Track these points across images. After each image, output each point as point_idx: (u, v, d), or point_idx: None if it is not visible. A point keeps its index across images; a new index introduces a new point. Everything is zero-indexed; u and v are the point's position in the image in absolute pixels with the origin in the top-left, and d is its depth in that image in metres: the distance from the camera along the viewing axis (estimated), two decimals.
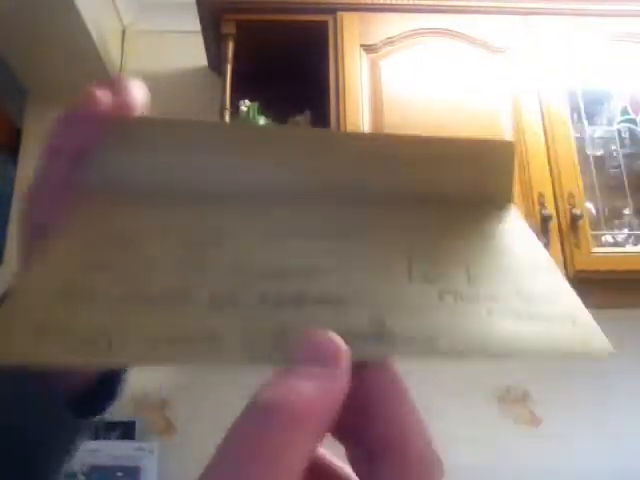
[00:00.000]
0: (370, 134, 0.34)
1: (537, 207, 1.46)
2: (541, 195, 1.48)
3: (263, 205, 0.25)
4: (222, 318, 0.19)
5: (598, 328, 0.20)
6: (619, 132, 1.65)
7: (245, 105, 1.66)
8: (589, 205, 1.54)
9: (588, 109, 1.65)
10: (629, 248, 1.50)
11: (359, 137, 0.29)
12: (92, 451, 1.53)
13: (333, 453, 0.21)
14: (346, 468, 0.21)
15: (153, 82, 1.62)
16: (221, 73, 1.66)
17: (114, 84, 0.27)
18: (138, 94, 0.28)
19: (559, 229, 1.45)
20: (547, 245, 1.40)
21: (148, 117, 0.28)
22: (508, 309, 0.20)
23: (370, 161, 0.27)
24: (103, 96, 0.27)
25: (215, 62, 1.83)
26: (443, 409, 1.50)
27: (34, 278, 0.20)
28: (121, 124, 0.26)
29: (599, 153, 1.65)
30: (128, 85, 0.28)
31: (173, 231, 0.23)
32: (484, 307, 0.20)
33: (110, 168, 0.25)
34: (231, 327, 0.19)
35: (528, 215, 1.46)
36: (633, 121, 1.65)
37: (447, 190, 0.27)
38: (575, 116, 1.62)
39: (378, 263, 0.23)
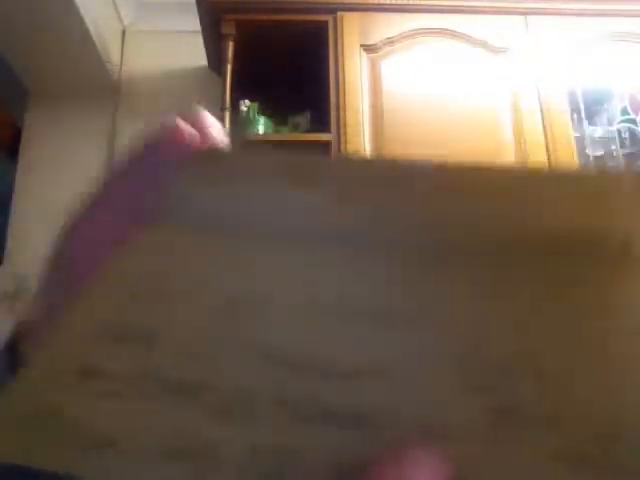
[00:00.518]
0: (451, 164, 0.21)
1: None
2: None
3: (315, 252, 0.20)
4: (228, 429, 0.16)
5: None
6: (619, 132, 1.65)
7: (245, 105, 1.67)
8: None
9: (588, 109, 1.65)
10: None
11: (437, 168, 0.21)
12: None
13: None
14: None
15: (153, 82, 1.63)
16: (221, 73, 1.66)
17: (193, 117, 0.27)
18: (217, 128, 0.27)
19: None
20: None
21: (230, 150, 0.27)
22: None
23: (450, 198, 0.20)
24: (186, 128, 0.26)
25: (215, 62, 1.83)
26: None
27: (49, 349, 0.18)
28: (202, 156, 0.25)
29: (599, 153, 1.65)
30: (207, 118, 0.27)
31: (215, 278, 0.20)
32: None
33: (181, 200, 0.23)
34: (233, 444, 0.15)
35: None
36: (633, 121, 1.65)
37: (560, 237, 0.19)
38: (575, 116, 1.62)
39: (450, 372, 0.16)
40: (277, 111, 1.69)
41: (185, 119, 0.26)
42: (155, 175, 0.25)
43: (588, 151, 1.62)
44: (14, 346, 0.28)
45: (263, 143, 1.62)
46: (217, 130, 0.27)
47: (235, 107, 1.63)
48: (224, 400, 0.16)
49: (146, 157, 0.27)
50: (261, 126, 1.64)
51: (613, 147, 1.65)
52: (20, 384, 0.18)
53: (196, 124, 0.27)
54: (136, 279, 0.20)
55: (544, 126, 1.56)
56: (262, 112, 1.67)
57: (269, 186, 0.23)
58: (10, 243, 1.81)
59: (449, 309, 0.18)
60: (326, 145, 1.53)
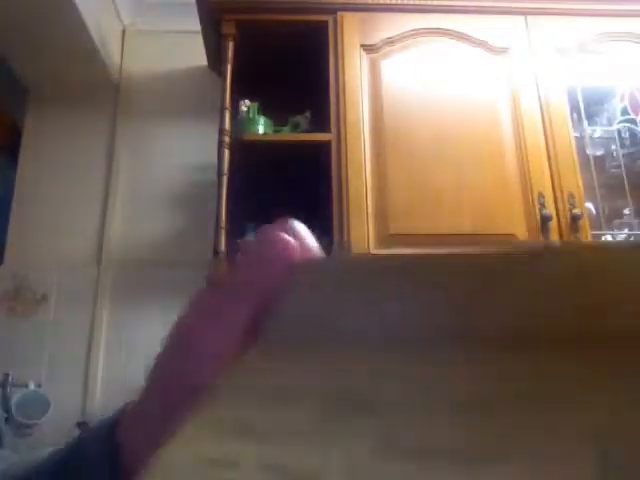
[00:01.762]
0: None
1: (537, 207, 1.46)
2: (541, 195, 1.48)
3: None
4: None
5: None
6: (619, 132, 1.65)
7: (245, 105, 1.67)
8: (589, 205, 1.54)
9: (588, 109, 1.65)
10: None
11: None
12: None
13: None
14: None
15: (153, 82, 1.63)
16: (221, 73, 1.66)
17: (287, 227, 0.26)
18: (311, 239, 0.26)
19: (559, 229, 1.45)
20: None
21: (329, 258, 0.25)
22: None
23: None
24: (288, 238, 0.25)
25: (215, 62, 1.83)
26: None
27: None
28: (305, 267, 0.24)
29: (599, 153, 1.65)
30: (303, 230, 0.26)
31: (309, 398, 0.19)
32: None
33: (292, 316, 0.22)
34: None
35: (528, 215, 1.47)
36: (633, 121, 1.65)
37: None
38: (575, 116, 1.62)
39: None
40: (277, 111, 1.69)
41: (285, 231, 0.25)
42: (269, 289, 0.24)
43: (588, 151, 1.62)
44: (112, 434, 0.28)
45: (263, 143, 1.62)
46: (312, 241, 0.26)
47: (235, 107, 1.63)
48: None
49: (257, 274, 0.25)
50: (261, 126, 1.64)
51: (613, 147, 1.65)
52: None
53: (296, 236, 0.26)
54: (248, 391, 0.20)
55: (544, 126, 1.56)
56: (262, 112, 1.67)
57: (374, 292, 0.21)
58: (10, 243, 1.81)
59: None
60: (326, 145, 1.53)
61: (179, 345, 0.26)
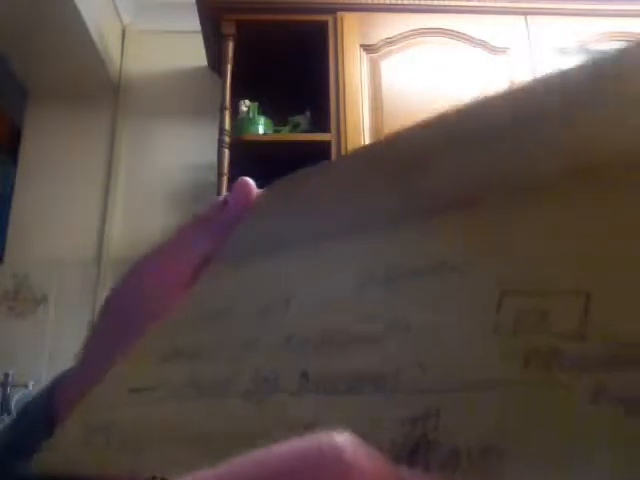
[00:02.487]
0: None
1: None
2: None
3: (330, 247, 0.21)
4: (259, 407, 0.16)
5: None
6: None
7: (245, 105, 1.67)
8: None
9: None
10: None
11: None
12: None
13: None
14: None
15: (153, 82, 1.63)
16: (221, 73, 1.66)
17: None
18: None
19: None
20: None
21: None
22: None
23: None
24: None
25: (215, 62, 1.83)
26: None
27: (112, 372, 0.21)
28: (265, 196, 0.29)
29: None
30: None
31: (250, 292, 0.22)
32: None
33: (240, 237, 0.27)
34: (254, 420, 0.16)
35: None
36: None
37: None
38: None
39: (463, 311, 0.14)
40: (277, 111, 1.69)
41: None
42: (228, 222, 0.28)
43: None
44: (49, 403, 0.29)
45: (263, 143, 1.62)
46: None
47: (235, 107, 1.63)
48: (251, 386, 0.17)
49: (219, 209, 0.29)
50: (261, 126, 1.64)
51: None
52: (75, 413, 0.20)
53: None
54: (197, 308, 0.23)
55: None
56: (262, 112, 1.67)
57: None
58: (10, 243, 1.81)
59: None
60: (326, 145, 1.53)
61: (132, 280, 0.29)
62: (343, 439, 0.10)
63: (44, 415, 0.28)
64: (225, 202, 0.29)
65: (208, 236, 0.28)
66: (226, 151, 1.52)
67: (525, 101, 0.19)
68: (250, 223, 0.27)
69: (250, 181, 0.29)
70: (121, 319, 0.28)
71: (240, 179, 0.29)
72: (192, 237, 0.29)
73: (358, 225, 0.21)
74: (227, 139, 1.54)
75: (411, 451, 0.12)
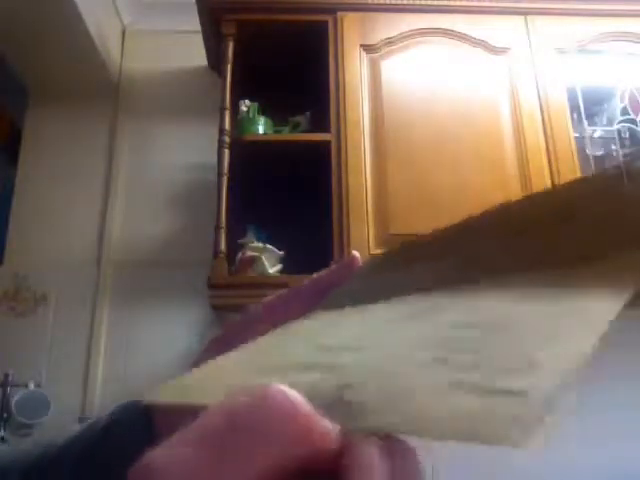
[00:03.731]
0: None
1: None
2: None
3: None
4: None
5: None
6: (619, 132, 1.65)
7: (245, 105, 1.67)
8: None
9: (588, 109, 1.65)
10: None
11: None
12: None
13: None
14: None
15: (153, 82, 1.63)
16: (221, 73, 1.66)
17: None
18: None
19: None
20: None
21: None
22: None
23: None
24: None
25: (215, 62, 1.83)
26: None
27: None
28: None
29: (599, 153, 1.65)
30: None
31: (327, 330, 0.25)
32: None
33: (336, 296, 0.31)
34: None
35: None
36: (633, 121, 1.65)
37: None
38: (575, 116, 1.62)
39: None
40: (277, 111, 1.69)
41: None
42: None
43: (588, 151, 1.62)
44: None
45: (263, 143, 1.62)
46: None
47: (235, 107, 1.63)
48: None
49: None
50: (261, 126, 1.64)
51: (613, 147, 1.65)
52: None
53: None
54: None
55: (544, 126, 1.56)
56: (262, 112, 1.67)
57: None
58: (10, 243, 1.81)
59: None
60: (326, 145, 1.53)
61: (245, 318, 0.32)
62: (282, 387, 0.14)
63: (144, 430, 0.30)
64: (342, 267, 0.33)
65: (317, 295, 0.32)
66: (226, 151, 1.52)
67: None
68: (348, 284, 0.31)
69: (357, 256, 0.33)
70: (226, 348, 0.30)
71: (352, 254, 0.33)
72: (305, 291, 0.32)
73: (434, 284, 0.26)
74: (227, 139, 1.54)
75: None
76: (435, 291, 0.25)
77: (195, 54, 1.91)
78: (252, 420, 0.14)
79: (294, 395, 0.14)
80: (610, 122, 1.67)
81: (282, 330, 0.26)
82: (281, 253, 1.51)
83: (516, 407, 0.13)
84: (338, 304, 0.29)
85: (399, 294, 0.26)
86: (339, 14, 1.65)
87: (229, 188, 1.49)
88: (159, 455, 0.13)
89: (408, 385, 0.15)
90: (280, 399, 0.14)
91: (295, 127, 1.68)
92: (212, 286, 1.43)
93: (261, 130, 1.64)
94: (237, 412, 0.14)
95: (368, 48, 1.63)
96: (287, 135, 1.66)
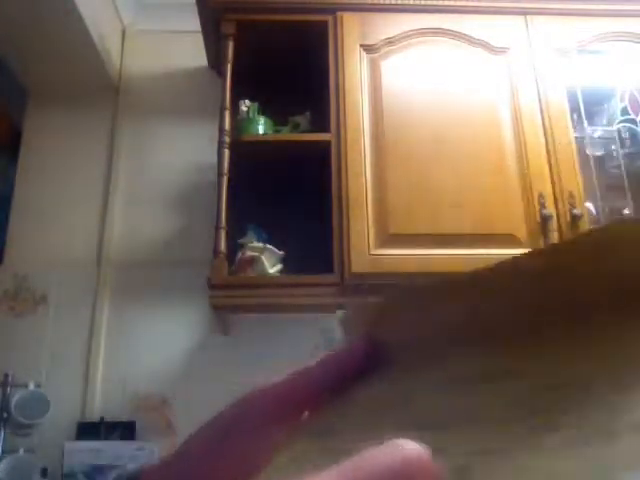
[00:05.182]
0: None
1: (537, 207, 1.46)
2: (541, 195, 1.48)
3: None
4: None
5: None
6: (619, 132, 1.65)
7: (245, 105, 1.67)
8: (589, 205, 1.54)
9: (588, 109, 1.65)
10: None
11: None
12: (92, 451, 1.53)
13: None
14: None
15: (153, 82, 1.63)
16: (221, 73, 1.66)
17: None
18: None
19: (559, 229, 1.45)
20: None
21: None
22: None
23: None
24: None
25: (215, 62, 1.83)
26: None
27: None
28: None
29: (599, 153, 1.65)
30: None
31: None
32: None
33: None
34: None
35: (528, 215, 1.47)
36: (633, 121, 1.65)
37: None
38: (575, 116, 1.62)
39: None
40: (277, 111, 1.69)
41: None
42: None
43: (588, 151, 1.62)
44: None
45: (263, 143, 1.62)
46: None
47: (235, 107, 1.63)
48: None
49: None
50: (261, 126, 1.64)
51: (613, 147, 1.65)
52: None
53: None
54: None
55: (544, 126, 1.56)
56: (262, 112, 1.67)
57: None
58: (10, 243, 1.81)
59: None
60: (326, 145, 1.53)
61: (249, 397, 0.30)
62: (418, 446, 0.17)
63: None
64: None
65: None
66: (226, 151, 1.52)
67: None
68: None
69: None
70: (227, 428, 0.29)
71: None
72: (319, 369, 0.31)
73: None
74: (227, 139, 1.54)
75: None
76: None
77: (195, 54, 1.91)
78: None
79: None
80: (610, 122, 1.67)
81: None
82: (281, 253, 1.51)
83: None
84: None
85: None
86: (339, 14, 1.65)
87: (229, 188, 1.49)
88: None
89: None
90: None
91: (295, 127, 1.68)
92: (212, 286, 1.43)
93: (261, 130, 1.64)
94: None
95: (368, 48, 1.63)
96: (287, 135, 1.66)
